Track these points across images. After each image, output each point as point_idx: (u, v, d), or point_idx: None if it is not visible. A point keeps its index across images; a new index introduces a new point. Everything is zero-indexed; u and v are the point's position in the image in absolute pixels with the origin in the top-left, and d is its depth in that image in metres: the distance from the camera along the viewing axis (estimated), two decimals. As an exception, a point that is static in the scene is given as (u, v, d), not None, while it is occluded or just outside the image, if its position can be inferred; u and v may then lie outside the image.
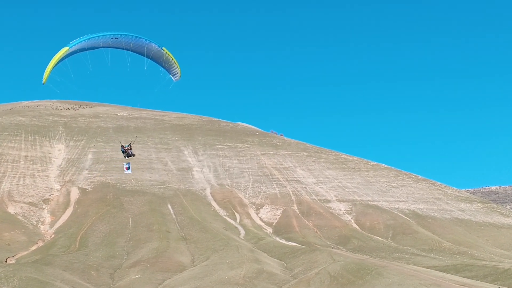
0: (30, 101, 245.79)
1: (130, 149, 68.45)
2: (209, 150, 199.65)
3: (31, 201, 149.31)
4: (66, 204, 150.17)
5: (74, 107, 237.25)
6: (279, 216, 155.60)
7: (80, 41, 57.49)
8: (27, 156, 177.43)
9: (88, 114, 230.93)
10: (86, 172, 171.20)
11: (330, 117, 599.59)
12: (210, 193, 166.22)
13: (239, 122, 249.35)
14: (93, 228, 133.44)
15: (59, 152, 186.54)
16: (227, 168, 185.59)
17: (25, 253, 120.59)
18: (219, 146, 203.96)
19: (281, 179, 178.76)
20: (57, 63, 57.81)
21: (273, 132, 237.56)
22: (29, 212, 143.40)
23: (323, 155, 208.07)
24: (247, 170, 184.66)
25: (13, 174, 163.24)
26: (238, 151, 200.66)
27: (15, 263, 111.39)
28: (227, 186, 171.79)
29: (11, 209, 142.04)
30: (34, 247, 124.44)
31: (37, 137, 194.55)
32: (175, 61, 61.51)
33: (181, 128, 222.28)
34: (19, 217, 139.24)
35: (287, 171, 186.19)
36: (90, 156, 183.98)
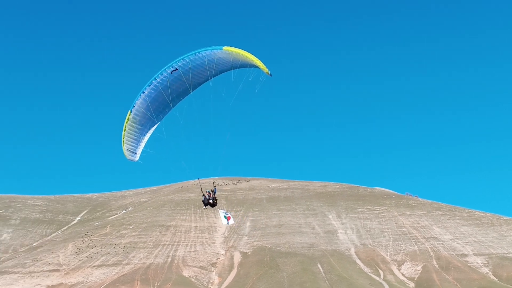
0: (197, 180, 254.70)
1: (213, 196, 51.67)
2: (351, 213, 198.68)
3: (201, 265, 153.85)
4: (231, 267, 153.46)
5: (233, 182, 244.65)
6: (420, 271, 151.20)
7: (139, 97, 45.14)
8: (197, 226, 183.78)
9: (245, 187, 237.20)
10: (246, 238, 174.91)
11: (460, 176, 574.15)
12: (355, 252, 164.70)
13: (376, 187, 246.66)
14: (254, 287, 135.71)
15: (218, 220, 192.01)
16: (368, 229, 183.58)
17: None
18: (360, 210, 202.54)
19: (419, 237, 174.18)
20: (134, 132, 45.86)
21: (408, 194, 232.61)
22: (200, 275, 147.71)
23: (457, 213, 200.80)
24: (386, 230, 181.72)
25: (186, 242, 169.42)
26: (377, 213, 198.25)
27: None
28: (369, 246, 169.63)
29: (186, 273, 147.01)
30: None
31: (204, 210, 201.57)
32: (248, 55, 43.65)
33: (324, 195, 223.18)
34: (193, 279, 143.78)
35: (424, 229, 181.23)
36: (248, 224, 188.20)
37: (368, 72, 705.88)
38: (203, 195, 50.54)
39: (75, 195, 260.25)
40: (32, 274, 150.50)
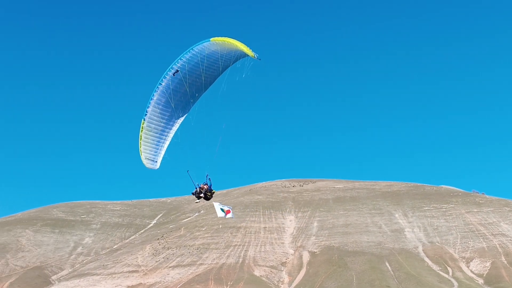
0: (265, 182, 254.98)
1: (207, 189, 44.71)
2: (417, 212, 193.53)
3: (271, 264, 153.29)
4: (300, 266, 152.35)
5: (300, 184, 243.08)
6: (488, 268, 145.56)
7: (149, 104, 42.97)
8: (266, 227, 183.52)
9: (311, 189, 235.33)
10: (314, 237, 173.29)
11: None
12: (422, 250, 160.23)
13: (442, 185, 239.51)
14: (324, 286, 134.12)
15: (290, 222, 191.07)
16: (435, 227, 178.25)
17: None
18: (426, 208, 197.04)
19: (487, 234, 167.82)
20: (150, 140, 43.38)
21: (474, 192, 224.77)
22: (271, 274, 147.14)
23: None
24: (454, 227, 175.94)
25: (256, 243, 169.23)
26: (444, 211, 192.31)
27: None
28: (437, 243, 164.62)
29: (257, 272, 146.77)
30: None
31: (272, 211, 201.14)
32: (233, 41, 41.15)
33: (390, 195, 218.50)
34: (263, 278, 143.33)
35: (492, 226, 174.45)
36: (315, 224, 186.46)
37: (433, 71, 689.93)
38: (195, 187, 44.53)
39: (150, 199, 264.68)
40: (113, 275, 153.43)
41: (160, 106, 42.91)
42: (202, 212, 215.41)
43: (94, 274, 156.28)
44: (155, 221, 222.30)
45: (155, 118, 43.08)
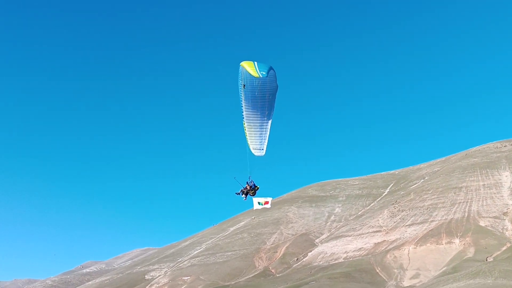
0: (477, 146, 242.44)
1: (250, 187, 45.78)
2: None
3: (494, 215, 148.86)
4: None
5: (510, 143, 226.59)
6: None
7: (242, 109, 43.03)
8: (484, 184, 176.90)
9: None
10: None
11: None
12: None
13: None
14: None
15: (506, 177, 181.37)
16: None
17: (498, 252, 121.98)
18: None
19: None
20: (254, 135, 43.93)
21: None
22: (494, 223, 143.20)
23: None
24: None
25: (477, 198, 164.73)
26: None
27: (493, 260, 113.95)
28: None
29: (482, 223, 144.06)
30: (504, 248, 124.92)
31: (488, 170, 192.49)
32: (243, 64, 40.17)
33: None
34: (489, 227, 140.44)
35: None
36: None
37: None
38: (242, 187, 45.89)
39: (382, 173, 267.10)
40: (361, 235, 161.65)
41: (250, 109, 43.44)
42: (426, 178, 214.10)
43: (347, 236, 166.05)
44: (388, 190, 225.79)
45: (251, 118, 43.89)
